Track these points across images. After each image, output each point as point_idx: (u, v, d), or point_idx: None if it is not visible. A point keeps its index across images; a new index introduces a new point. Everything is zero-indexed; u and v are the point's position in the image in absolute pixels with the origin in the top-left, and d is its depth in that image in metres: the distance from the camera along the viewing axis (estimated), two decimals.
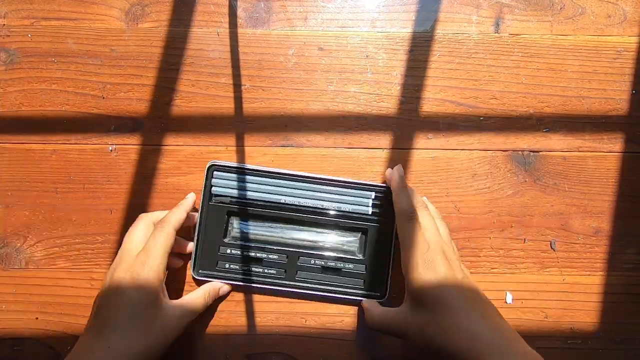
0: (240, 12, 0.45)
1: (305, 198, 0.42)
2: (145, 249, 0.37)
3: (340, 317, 0.43)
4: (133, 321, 0.35)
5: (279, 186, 0.42)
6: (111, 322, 0.35)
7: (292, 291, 0.42)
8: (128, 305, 0.35)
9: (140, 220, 0.40)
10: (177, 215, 0.40)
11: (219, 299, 0.42)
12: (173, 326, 0.37)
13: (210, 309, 0.42)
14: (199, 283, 0.42)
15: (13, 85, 0.44)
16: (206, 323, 0.43)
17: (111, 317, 0.35)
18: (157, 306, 0.36)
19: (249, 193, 0.42)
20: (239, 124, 0.44)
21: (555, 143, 0.44)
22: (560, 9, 0.45)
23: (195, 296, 0.40)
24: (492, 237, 0.43)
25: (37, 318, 0.43)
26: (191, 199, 0.42)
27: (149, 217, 0.40)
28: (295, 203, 0.42)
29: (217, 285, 0.42)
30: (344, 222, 0.42)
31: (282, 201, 0.42)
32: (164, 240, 0.38)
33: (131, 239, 0.39)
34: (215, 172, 0.42)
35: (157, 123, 0.44)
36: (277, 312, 0.43)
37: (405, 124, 0.44)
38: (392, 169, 0.41)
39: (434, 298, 0.34)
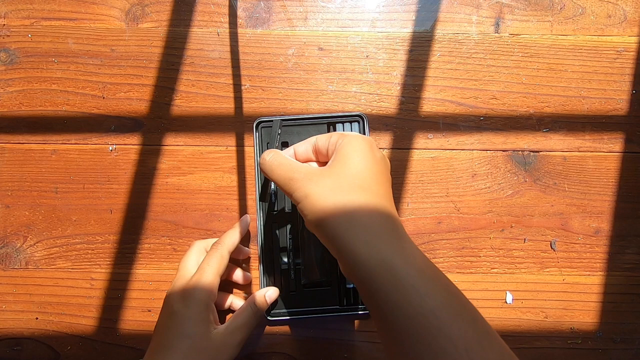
0: (240, 12, 0.45)
1: None
2: (199, 271, 0.38)
3: (340, 317, 0.43)
4: (185, 340, 0.35)
5: None
6: (166, 342, 0.36)
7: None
8: (180, 325, 0.36)
9: (193, 246, 0.41)
10: (231, 238, 0.40)
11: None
12: (225, 343, 0.37)
13: None
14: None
15: (13, 85, 0.44)
16: None
17: (165, 338, 0.36)
18: (208, 322, 0.37)
19: None
20: (239, 124, 0.44)
21: (555, 143, 0.44)
22: (560, 9, 0.45)
23: (241, 311, 0.40)
24: (492, 237, 0.43)
25: (37, 318, 0.43)
26: (245, 221, 0.42)
27: (201, 244, 0.41)
28: None
29: (262, 292, 0.41)
30: None
31: None
32: (216, 261, 0.38)
33: (184, 264, 0.40)
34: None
35: (157, 123, 0.44)
36: None
37: (405, 124, 0.44)
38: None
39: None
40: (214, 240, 0.42)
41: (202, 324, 0.36)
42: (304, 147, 0.36)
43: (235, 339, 0.38)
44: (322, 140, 0.35)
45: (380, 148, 0.44)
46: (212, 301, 0.38)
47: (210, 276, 0.38)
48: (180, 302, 0.37)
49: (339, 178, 0.31)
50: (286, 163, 0.33)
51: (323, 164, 0.35)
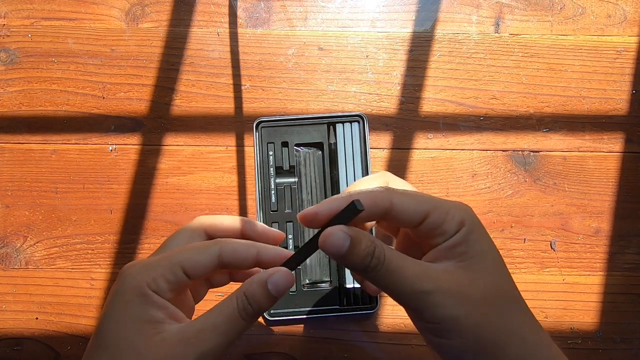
0: (240, 12, 0.45)
1: None
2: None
3: (340, 317, 0.43)
4: (102, 352, 0.24)
5: None
6: (85, 355, 0.25)
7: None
8: (101, 325, 0.24)
9: (189, 224, 0.29)
10: (239, 248, 0.26)
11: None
12: (174, 356, 0.23)
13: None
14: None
15: (13, 85, 0.44)
16: None
17: (88, 347, 0.25)
18: (146, 321, 0.24)
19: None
20: (239, 124, 0.44)
21: (555, 143, 0.44)
22: (560, 9, 0.45)
23: (219, 305, 0.25)
24: (492, 237, 0.43)
25: (37, 318, 0.43)
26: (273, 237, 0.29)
27: (204, 220, 0.29)
28: None
29: (260, 278, 0.25)
30: None
31: None
32: (199, 243, 0.27)
33: (165, 242, 0.28)
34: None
35: (157, 123, 0.44)
36: None
37: (405, 124, 0.44)
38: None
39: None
40: (225, 218, 0.29)
41: (134, 324, 0.23)
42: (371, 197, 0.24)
43: (195, 350, 0.23)
44: (412, 206, 0.24)
45: (380, 148, 0.44)
46: (167, 286, 0.24)
47: (180, 254, 0.25)
48: (115, 286, 0.25)
49: (493, 288, 0.23)
50: (410, 270, 0.23)
51: (392, 228, 0.28)
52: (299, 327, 0.43)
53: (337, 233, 0.22)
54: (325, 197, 0.42)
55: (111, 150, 0.44)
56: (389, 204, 0.24)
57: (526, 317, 0.24)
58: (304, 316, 0.42)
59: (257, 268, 0.27)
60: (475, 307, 0.23)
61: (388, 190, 0.24)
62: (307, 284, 0.42)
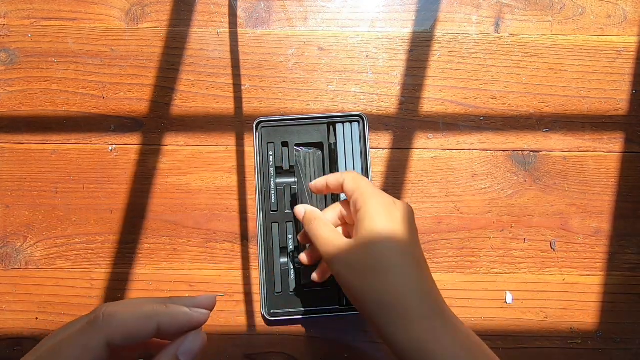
0: (240, 12, 0.45)
1: None
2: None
3: (340, 317, 0.43)
4: None
5: None
6: None
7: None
8: None
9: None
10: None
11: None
12: None
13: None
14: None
15: (13, 85, 0.44)
16: (206, 323, 0.42)
17: None
18: None
19: None
20: (239, 124, 0.44)
21: (555, 143, 0.44)
22: (560, 9, 0.45)
23: None
24: (492, 237, 0.43)
25: (37, 318, 0.43)
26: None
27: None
28: None
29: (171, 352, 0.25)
30: None
31: None
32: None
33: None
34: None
35: (157, 123, 0.44)
36: None
37: (405, 124, 0.44)
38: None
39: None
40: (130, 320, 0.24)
41: None
42: (331, 214, 0.36)
43: None
44: (345, 206, 0.36)
45: (380, 148, 0.44)
46: None
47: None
48: None
49: (365, 257, 0.30)
50: (324, 236, 0.33)
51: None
52: (299, 327, 0.43)
53: (300, 208, 0.37)
54: (326, 198, 0.43)
55: (111, 150, 0.44)
56: (339, 210, 0.36)
57: (388, 285, 0.30)
58: (304, 316, 0.42)
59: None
60: (349, 270, 0.31)
61: (340, 203, 0.37)
62: (307, 284, 0.42)
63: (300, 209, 0.37)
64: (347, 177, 0.35)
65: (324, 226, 0.34)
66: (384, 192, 0.34)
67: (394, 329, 0.29)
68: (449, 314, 0.30)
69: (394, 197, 0.34)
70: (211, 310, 0.27)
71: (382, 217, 0.31)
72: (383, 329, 0.29)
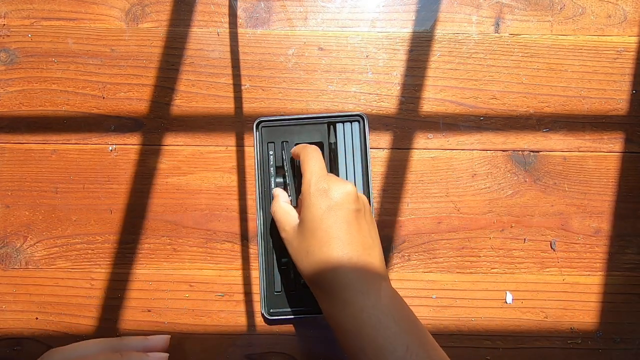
0: (240, 12, 0.45)
1: None
2: None
3: None
4: None
5: None
6: None
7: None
8: None
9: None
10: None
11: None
12: None
13: (209, 309, 0.42)
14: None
15: (13, 85, 0.44)
16: (206, 323, 0.43)
17: None
18: None
19: None
20: (239, 124, 0.44)
21: (555, 143, 0.44)
22: (560, 9, 0.45)
23: None
24: (492, 237, 0.43)
25: (37, 318, 0.43)
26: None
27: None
28: None
29: None
30: None
31: None
32: None
33: None
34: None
35: (157, 123, 0.44)
36: None
37: (405, 124, 0.44)
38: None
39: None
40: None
41: None
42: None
43: None
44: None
45: (380, 148, 0.44)
46: None
47: None
48: None
49: (305, 240, 0.34)
50: (280, 212, 0.37)
51: None
52: (299, 327, 0.43)
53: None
54: None
55: (111, 150, 0.44)
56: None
57: (321, 264, 0.33)
58: (304, 315, 0.42)
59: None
60: (292, 250, 0.35)
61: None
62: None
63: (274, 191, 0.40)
64: (301, 155, 0.38)
65: (279, 207, 0.38)
66: (326, 176, 0.36)
67: (327, 305, 0.33)
68: (379, 291, 0.33)
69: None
70: (166, 350, 0.35)
71: (316, 211, 0.34)
72: (326, 310, 0.33)
